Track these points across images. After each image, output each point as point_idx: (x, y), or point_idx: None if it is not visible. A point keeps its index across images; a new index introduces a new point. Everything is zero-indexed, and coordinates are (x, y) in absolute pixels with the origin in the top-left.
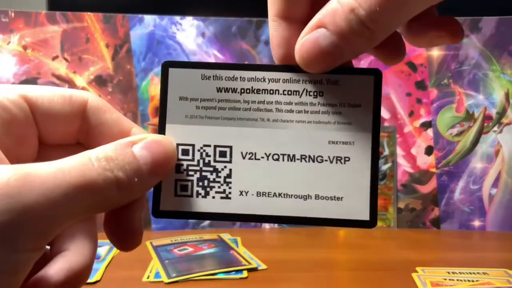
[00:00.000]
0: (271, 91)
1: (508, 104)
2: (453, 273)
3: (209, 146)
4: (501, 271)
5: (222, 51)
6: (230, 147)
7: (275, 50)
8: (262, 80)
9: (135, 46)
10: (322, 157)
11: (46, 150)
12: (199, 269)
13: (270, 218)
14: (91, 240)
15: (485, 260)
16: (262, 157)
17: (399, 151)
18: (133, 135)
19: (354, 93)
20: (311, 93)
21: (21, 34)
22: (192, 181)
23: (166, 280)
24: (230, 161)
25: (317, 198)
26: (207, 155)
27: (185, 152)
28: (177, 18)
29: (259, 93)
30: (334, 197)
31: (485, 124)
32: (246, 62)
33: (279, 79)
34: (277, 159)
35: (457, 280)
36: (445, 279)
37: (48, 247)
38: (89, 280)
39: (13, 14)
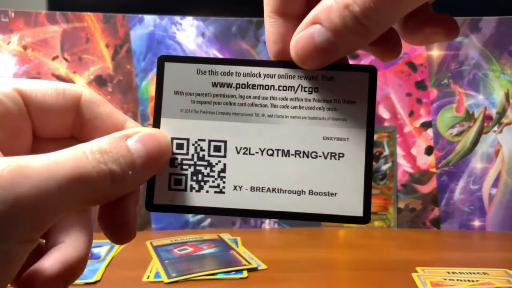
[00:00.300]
0: (267, 87)
1: (508, 104)
2: (453, 273)
3: (204, 140)
4: (501, 271)
5: (222, 51)
6: (225, 142)
7: (270, 46)
8: (257, 75)
9: (135, 46)
10: (316, 153)
11: (40, 144)
12: (199, 269)
13: (263, 213)
14: (86, 233)
15: (485, 260)
16: (257, 152)
17: (399, 151)
18: (127, 129)
19: (349, 89)
20: (306, 89)
21: (21, 34)
22: (186, 175)
23: (166, 280)
24: (224, 156)
25: (311, 193)
26: (202, 149)
27: (180, 146)
28: (177, 18)
29: (255, 89)
30: (328, 193)
31: (485, 124)
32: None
33: (275, 74)
34: (272, 155)
35: (457, 280)
36: (445, 279)
37: (43, 240)
38: (89, 280)
39: (13, 14)
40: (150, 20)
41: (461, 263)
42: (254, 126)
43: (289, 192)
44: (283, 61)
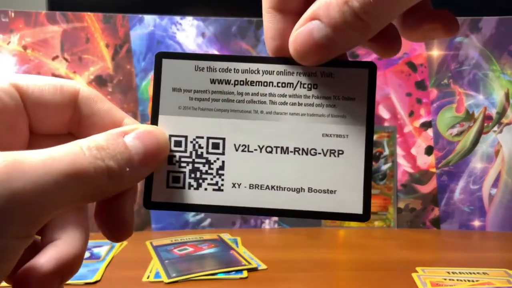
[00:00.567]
0: (265, 83)
1: (508, 104)
2: (453, 273)
3: (202, 137)
4: (501, 271)
5: (222, 51)
6: (223, 139)
7: (269, 42)
8: (256, 72)
9: (135, 46)
10: (315, 150)
11: (36, 140)
12: (199, 269)
13: (262, 211)
14: (83, 230)
15: (485, 260)
16: (255, 150)
17: (399, 151)
18: (125, 126)
19: (349, 86)
20: (305, 86)
21: (21, 34)
22: (184, 172)
23: (166, 280)
24: (223, 153)
25: (310, 191)
26: (200, 146)
27: (178, 144)
28: (177, 18)
29: (253, 85)
30: (328, 190)
31: (485, 124)
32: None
33: (273, 71)
34: (271, 152)
35: (457, 280)
36: (445, 279)
37: (39, 237)
38: (89, 280)
39: (13, 14)
40: (150, 20)
41: (461, 263)
42: (253, 123)
43: (288, 189)
44: (282, 57)
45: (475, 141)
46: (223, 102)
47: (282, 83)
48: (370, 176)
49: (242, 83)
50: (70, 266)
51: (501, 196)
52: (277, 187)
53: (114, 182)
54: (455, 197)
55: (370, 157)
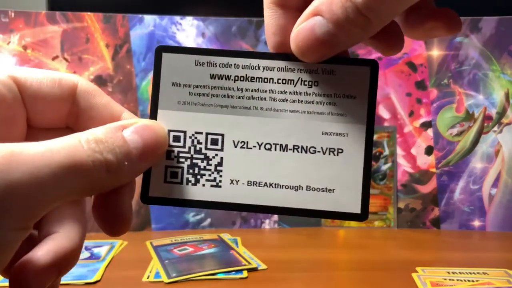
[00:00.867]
0: (266, 80)
1: (508, 104)
2: (453, 273)
3: (201, 133)
4: (501, 271)
5: None
6: (222, 135)
7: (270, 38)
8: (256, 68)
9: (135, 46)
10: (315, 148)
11: (34, 133)
12: (199, 269)
13: (260, 208)
14: (80, 224)
15: (485, 260)
16: (254, 146)
17: (399, 151)
18: (124, 120)
19: (350, 84)
20: (306, 83)
21: (21, 34)
22: (182, 168)
23: (166, 280)
24: (221, 149)
25: (308, 189)
26: (199, 142)
27: (177, 139)
28: (177, 18)
29: (253, 81)
30: (326, 189)
31: (485, 124)
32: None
33: (274, 67)
34: (269, 149)
35: (457, 280)
36: (445, 279)
37: (36, 231)
38: (89, 280)
39: (13, 14)
40: (150, 20)
41: (461, 263)
42: (252, 119)
43: (287, 187)
44: (283, 53)
45: (475, 141)
46: (223, 98)
47: (283, 79)
48: (369, 175)
49: (242, 79)
50: (67, 259)
51: (501, 196)
52: (275, 184)
53: (112, 175)
54: (455, 197)
55: (370, 156)
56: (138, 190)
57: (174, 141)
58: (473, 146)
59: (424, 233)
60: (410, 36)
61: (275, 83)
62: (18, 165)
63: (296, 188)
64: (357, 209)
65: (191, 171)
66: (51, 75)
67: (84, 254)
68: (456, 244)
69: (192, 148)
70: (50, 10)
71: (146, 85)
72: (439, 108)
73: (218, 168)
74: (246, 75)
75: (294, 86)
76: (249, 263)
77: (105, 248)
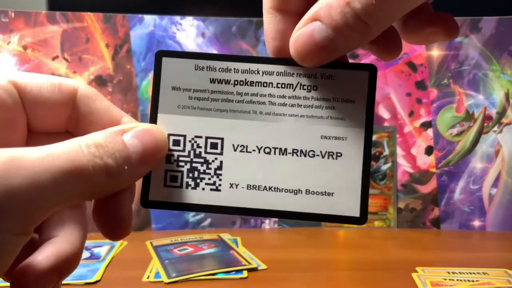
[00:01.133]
0: (265, 84)
1: (508, 104)
2: (453, 273)
3: (201, 137)
4: (501, 271)
5: (222, 51)
6: (222, 139)
7: (269, 42)
8: (256, 72)
9: (135, 46)
10: (314, 151)
11: (34, 138)
12: (199, 269)
13: (259, 212)
14: (81, 227)
15: (485, 260)
16: (254, 150)
17: (399, 151)
18: (124, 124)
19: (348, 88)
20: (305, 87)
21: (21, 34)
22: (182, 172)
23: (166, 280)
24: (221, 153)
25: (307, 193)
26: (198, 146)
27: (176, 143)
28: (177, 18)
29: (253, 86)
30: (325, 192)
31: (485, 124)
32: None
33: (273, 72)
34: (269, 153)
35: (457, 280)
36: (445, 279)
37: (37, 235)
38: (89, 280)
39: (13, 14)
40: (150, 20)
41: (461, 263)
42: (252, 123)
43: (286, 191)
44: (282, 58)
45: (475, 141)
46: (223, 102)
47: (282, 84)
48: (368, 179)
49: (241, 83)
50: (68, 263)
51: (501, 196)
52: (274, 188)
53: (112, 180)
54: (455, 197)
55: (369, 160)
56: (138, 193)
57: (174, 145)
58: (473, 146)
59: (424, 233)
60: (409, 41)
61: (274, 87)
62: (19, 170)
63: (295, 192)
64: (356, 213)
65: (190, 175)
66: (51, 80)
67: (84, 254)
68: (456, 244)
69: (192, 152)
70: (50, 10)
71: (146, 85)
72: (439, 108)
73: (218, 172)
74: (246, 79)
75: (293, 91)
76: (249, 263)
77: (105, 248)
